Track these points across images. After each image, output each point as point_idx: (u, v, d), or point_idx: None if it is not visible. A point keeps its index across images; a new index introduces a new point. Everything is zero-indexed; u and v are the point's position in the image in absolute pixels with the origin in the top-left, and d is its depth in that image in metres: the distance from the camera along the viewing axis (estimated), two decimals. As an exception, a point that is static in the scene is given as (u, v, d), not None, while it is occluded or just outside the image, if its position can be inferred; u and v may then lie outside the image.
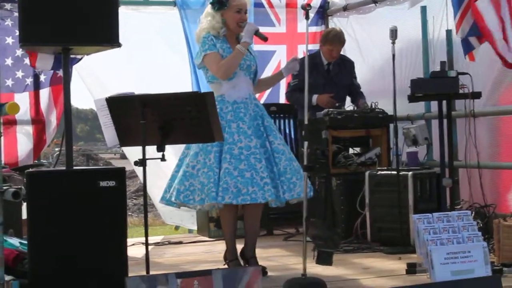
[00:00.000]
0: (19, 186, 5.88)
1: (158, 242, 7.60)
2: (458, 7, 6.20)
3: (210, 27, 5.69)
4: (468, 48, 6.21)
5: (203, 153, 5.54)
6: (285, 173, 5.54)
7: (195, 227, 8.29)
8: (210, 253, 6.87)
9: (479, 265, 4.86)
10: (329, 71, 7.76)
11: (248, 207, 5.63)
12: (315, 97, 7.54)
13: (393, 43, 6.52)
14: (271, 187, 5.47)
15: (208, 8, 5.74)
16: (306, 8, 5.46)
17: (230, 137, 5.52)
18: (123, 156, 17.04)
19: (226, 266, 5.65)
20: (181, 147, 8.01)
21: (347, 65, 7.90)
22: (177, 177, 5.68)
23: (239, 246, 5.74)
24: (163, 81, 8.14)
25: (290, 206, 5.95)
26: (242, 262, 5.69)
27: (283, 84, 8.32)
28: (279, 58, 8.57)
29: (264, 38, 5.74)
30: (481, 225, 6.18)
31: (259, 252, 5.92)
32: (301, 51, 8.69)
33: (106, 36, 4.74)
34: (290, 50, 8.68)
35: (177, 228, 8.89)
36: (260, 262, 5.68)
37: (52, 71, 7.69)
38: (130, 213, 14.01)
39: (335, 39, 7.71)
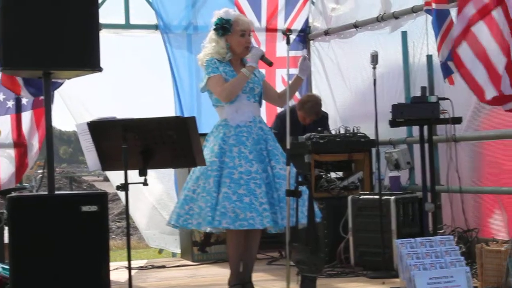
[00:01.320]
0: (1, 210, 5.86)
1: (142, 266, 7.57)
2: (438, 31, 6.25)
3: (215, 52, 5.68)
4: (447, 72, 6.25)
5: (204, 177, 5.50)
6: (284, 199, 5.41)
7: (178, 251, 8.26)
8: (193, 278, 6.85)
9: (461, 290, 4.87)
10: (305, 128, 7.80)
11: (247, 232, 5.57)
12: None
13: (374, 68, 6.54)
14: (270, 213, 5.42)
15: (212, 34, 5.72)
16: (287, 33, 5.49)
17: (231, 161, 5.49)
18: (106, 179, 16.99)
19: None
20: (164, 171, 8.05)
21: (321, 120, 7.98)
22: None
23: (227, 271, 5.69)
24: (146, 105, 8.14)
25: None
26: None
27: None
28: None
29: (269, 63, 5.71)
30: (463, 249, 6.20)
31: (257, 276, 5.90)
32: (279, 75, 8.73)
33: (87, 60, 4.73)
34: (268, 74, 8.68)
35: (160, 251, 8.87)
36: (261, 285, 5.64)
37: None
38: (113, 236, 13.96)
39: (311, 111, 7.83)
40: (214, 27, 5.70)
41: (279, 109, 7.93)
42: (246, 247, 5.67)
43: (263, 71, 5.72)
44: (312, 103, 7.89)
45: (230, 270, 5.67)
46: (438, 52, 6.26)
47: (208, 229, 5.51)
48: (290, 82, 5.77)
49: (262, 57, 5.68)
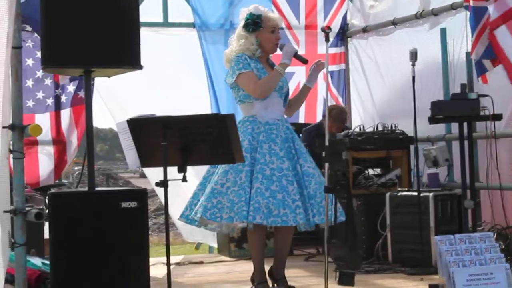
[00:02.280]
0: (41, 206, 5.92)
1: (179, 262, 7.61)
2: (474, 29, 6.21)
3: (245, 49, 5.64)
4: (481, 71, 6.22)
5: (234, 171, 5.47)
6: (314, 196, 5.45)
7: (216, 245, 8.28)
8: (231, 273, 6.87)
9: (502, 287, 4.84)
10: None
11: (280, 229, 5.57)
12: None
13: (413, 65, 6.52)
14: (302, 209, 5.40)
15: (241, 30, 5.69)
16: (326, 30, 5.47)
17: (262, 157, 5.47)
18: (143, 175, 17.08)
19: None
20: (201, 167, 8.07)
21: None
22: (199, 195, 5.63)
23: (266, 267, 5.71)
24: (182, 102, 8.17)
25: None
26: (270, 283, 5.63)
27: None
28: (298, 79, 8.56)
29: (304, 61, 5.71)
30: (503, 246, 6.15)
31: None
32: (321, 72, 8.70)
33: (128, 58, 4.74)
34: (308, 72, 8.69)
35: (197, 247, 8.89)
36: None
37: (73, 92, 7.77)
38: (150, 232, 13.98)
39: (337, 118, 7.83)
40: (245, 22, 5.66)
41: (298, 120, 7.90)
42: (278, 243, 5.68)
43: (303, 68, 5.74)
44: (337, 110, 7.90)
45: (253, 267, 5.67)
46: (473, 50, 6.23)
47: (239, 225, 5.51)
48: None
49: (296, 55, 5.66)
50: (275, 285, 5.60)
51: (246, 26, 5.65)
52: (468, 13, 6.46)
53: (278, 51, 5.73)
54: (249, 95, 5.61)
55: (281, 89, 5.69)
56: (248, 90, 5.59)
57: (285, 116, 5.81)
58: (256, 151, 5.49)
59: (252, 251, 5.71)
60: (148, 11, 8.13)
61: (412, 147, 6.98)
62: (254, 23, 5.62)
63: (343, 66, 9.17)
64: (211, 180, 5.60)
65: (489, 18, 6.13)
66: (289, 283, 5.61)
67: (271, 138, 5.56)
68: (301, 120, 8.65)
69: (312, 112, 8.35)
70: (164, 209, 4.89)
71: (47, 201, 6.04)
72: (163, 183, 4.71)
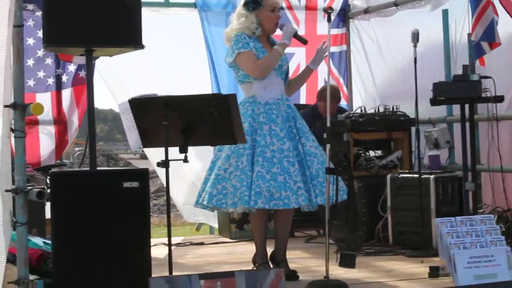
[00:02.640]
0: (42, 186, 5.92)
1: (180, 243, 7.62)
2: (474, 10, 6.20)
3: (245, 28, 5.60)
4: (479, 53, 6.22)
5: (235, 155, 5.45)
6: (317, 176, 5.42)
7: (217, 225, 8.29)
8: (232, 254, 6.89)
9: (502, 269, 4.85)
10: (324, 121, 7.76)
11: (279, 211, 5.56)
12: None
13: (415, 46, 6.51)
14: (304, 191, 5.38)
15: (241, 9, 5.65)
16: (328, 11, 5.43)
17: (263, 139, 5.44)
18: (143, 157, 17.07)
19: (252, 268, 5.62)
20: (202, 148, 8.08)
21: (339, 112, 7.91)
22: (209, 180, 5.60)
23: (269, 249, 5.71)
24: (183, 82, 8.18)
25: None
26: (271, 266, 5.62)
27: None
28: (298, 60, 8.55)
29: (303, 41, 5.68)
30: (503, 229, 6.15)
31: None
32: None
33: (130, 37, 4.72)
34: (308, 52, 8.66)
35: (198, 228, 8.90)
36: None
37: (74, 72, 7.76)
38: (150, 213, 14.05)
39: (331, 97, 7.70)
40: (245, 1, 5.62)
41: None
42: (278, 225, 5.68)
43: (303, 49, 5.70)
44: (330, 90, 7.86)
45: (255, 249, 5.67)
46: (472, 31, 6.22)
47: (241, 210, 5.46)
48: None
49: (295, 35, 5.62)
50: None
51: (246, 5, 5.61)
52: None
53: (278, 31, 5.70)
54: (248, 74, 5.58)
55: (280, 68, 5.65)
56: (247, 69, 5.56)
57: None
58: (257, 133, 5.46)
59: (254, 233, 5.71)
60: (149, -10, 8.12)
61: (413, 128, 6.99)
62: (254, 1, 5.58)
63: (344, 47, 9.14)
64: (215, 165, 5.59)
65: (490, 1, 6.12)
66: (290, 265, 5.62)
67: (272, 118, 5.52)
68: (302, 101, 8.62)
69: (313, 93, 8.32)
70: (166, 189, 4.89)
71: (48, 181, 6.05)
72: (165, 164, 4.70)
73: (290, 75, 5.91)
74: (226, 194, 5.46)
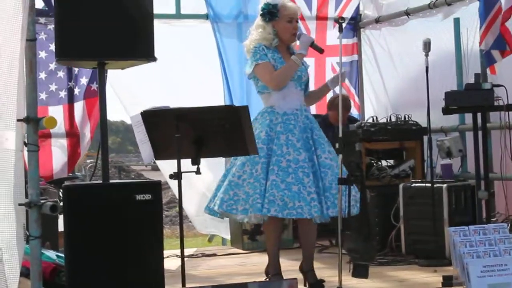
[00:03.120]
0: (55, 199, 5.94)
1: (192, 255, 7.62)
2: (484, 20, 6.20)
3: (262, 39, 5.62)
4: (490, 61, 6.22)
5: (250, 163, 5.46)
6: (330, 188, 5.41)
7: (229, 237, 8.29)
8: (244, 266, 6.88)
9: (516, 278, 4.83)
10: (334, 131, 7.78)
11: (301, 222, 5.57)
12: None
13: (427, 55, 6.50)
14: (317, 202, 5.37)
15: (259, 20, 5.67)
16: (340, 21, 5.44)
17: (279, 149, 5.45)
18: (155, 168, 17.14)
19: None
20: (214, 159, 8.08)
21: (350, 121, 7.94)
22: (222, 186, 5.62)
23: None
24: (196, 94, 8.18)
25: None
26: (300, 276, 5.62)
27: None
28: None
29: (320, 50, 5.66)
30: (517, 237, 6.13)
31: (292, 265, 5.91)
32: (329, 64, 8.71)
33: (142, 50, 4.73)
34: (318, 62, 8.68)
35: (210, 240, 8.90)
36: (295, 275, 5.65)
37: (86, 85, 7.79)
38: (163, 225, 14.04)
39: (342, 106, 7.70)
40: (261, 12, 5.64)
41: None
42: (302, 237, 5.69)
43: (312, 60, 5.73)
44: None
45: (268, 260, 5.67)
46: (482, 40, 6.22)
47: (253, 218, 5.43)
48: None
49: (312, 44, 5.62)
50: (305, 279, 5.61)
51: (263, 16, 5.64)
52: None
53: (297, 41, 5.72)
54: (266, 86, 5.60)
55: (300, 79, 5.65)
56: (265, 81, 5.58)
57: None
58: (273, 142, 5.47)
59: (267, 243, 5.72)
60: (161, 2, 8.11)
61: (425, 138, 6.96)
62: (270, 12, 5.60)
63: (355, 57, 9.14)
64: (230, 173, 5.60)
65: (501, 9, 6.12)
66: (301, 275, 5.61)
67: (289, 128, 5.52)
68: (313, 111, 8.61)
69: (324, 103, 8.32)
70: (178, 201, 4.90)
71: (61, 194, 6.06)
72: (177, 176, 4.71)
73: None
74: (238, 201, 5.48)
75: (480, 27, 6.26)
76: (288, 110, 5.58)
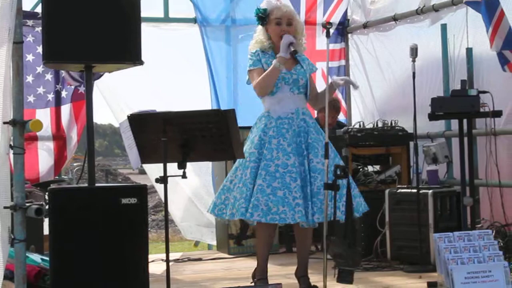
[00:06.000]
0: (41, 202, 5.92)
1: (178, 259, 7.61)
2: (489, 23, 6.22)
3: (259, 43, 5.66)
4: (504, 61, 6.24)
5: (242, 168, 5.50)
6: (318, 194, 5.38)
7: (214, 243, 8.29)
8: (229, 270, 6.87)
9: (500, 285, 4.86)
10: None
11: (297, 227, 5.58)
12: None
13: (414, 61, 6.51)
14: (302, 208, 5.35)
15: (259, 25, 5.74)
16: (327, 26, 5.44)
17: (269, 153, 5.44)
18: (142, 172, 17.08)
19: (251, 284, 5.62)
20: (200, 163, 8.07)
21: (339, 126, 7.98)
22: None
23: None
24: (183, 98, 8.17)
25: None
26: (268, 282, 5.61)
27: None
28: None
29: (293, 52, 5.53)
30: (501, 244, 6.15)
31: (278, 269, 5.91)
32: (319, 68, 8.71)
33: (129, 53, 4.72)
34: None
35: (196, 244, 8.89)
36: (280, 280, 5.68)
37: (73, 87, 7.78)
38: (148, 229, 14.02)
39: (331, 107, 7.71)
40: (255, 17, 5.70)
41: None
42: (297, 242, 5.70)
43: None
44: (330, 100, 7.89)
45: (256, 263, 5.67)
46: (492, 43, 6.24)
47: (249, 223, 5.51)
48: (328, 85, 5.63)
49: (290, 45, 5.50)
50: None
51: (257, 21, 5.69)
52: (470, 9, 6.46)
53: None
54: None
55: (296, 82, 5.60)
56: (253, 87, 5.61)
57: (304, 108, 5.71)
58: (265, 147, 5.48)
59: (257, 246, 5.73)
60: (149, 6, 8.13)
61: (411, 143, 6.99)
62: (259, 17, 5.66)
63: (343, 62, 9.16)
64: (226, 178, 5.68)
65: (503, 11, 6.17)
66: (288, 280, 5.63)
67: (281, 133, 5.52)
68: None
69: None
70: (164, 205, 4.89)
71: (46, 197, 6.05)
72: (163, 180, 4.71)
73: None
74: (227, 205, 5.53)
75: (487, 31, 6.27)
76: (282, 114, 5.57)
